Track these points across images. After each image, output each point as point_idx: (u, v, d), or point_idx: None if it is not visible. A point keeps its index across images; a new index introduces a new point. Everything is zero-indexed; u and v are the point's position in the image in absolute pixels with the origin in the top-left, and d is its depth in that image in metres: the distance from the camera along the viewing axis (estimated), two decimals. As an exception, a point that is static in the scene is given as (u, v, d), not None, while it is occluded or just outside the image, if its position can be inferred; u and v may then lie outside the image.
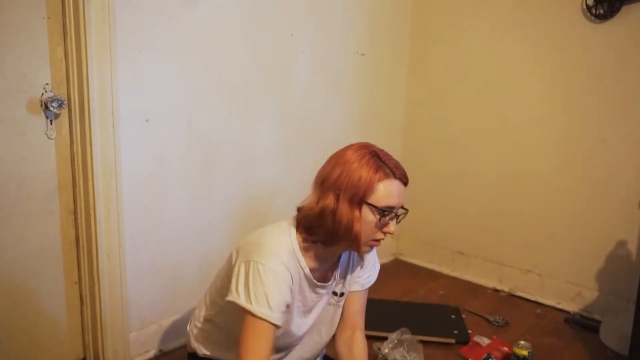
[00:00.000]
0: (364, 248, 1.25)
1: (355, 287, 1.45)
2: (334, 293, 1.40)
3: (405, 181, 1.22)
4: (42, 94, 1.57)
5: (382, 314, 2.21)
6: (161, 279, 1.91)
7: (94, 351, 1.78)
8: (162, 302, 1.92)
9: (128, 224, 1.76)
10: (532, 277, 2.51)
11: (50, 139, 1.61)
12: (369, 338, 1.99)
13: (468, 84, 2.65)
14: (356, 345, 1.44)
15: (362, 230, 1.19)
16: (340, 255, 1.37)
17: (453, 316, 2.23)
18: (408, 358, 1.79)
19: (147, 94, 1.75)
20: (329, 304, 1.40)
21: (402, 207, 1.25)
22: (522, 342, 1.80)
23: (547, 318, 2.30)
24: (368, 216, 1.19)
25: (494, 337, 2.06)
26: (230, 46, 1.98)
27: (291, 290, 1.22)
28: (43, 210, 1.63)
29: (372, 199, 1.17)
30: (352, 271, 1.42)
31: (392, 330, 1.90)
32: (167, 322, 1.94)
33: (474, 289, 2.61)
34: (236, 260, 1.23)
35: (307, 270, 1.27)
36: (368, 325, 2.06)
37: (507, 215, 2.58)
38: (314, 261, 1.28)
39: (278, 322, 1.17)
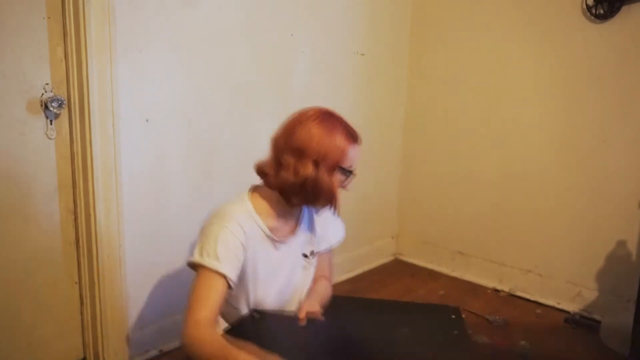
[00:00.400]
0: (337, 201, 1.36)
1: (324, 246, 1.52)
2: (304, 255, 1.44)
3: (360, 142, 1.36)
4: (42, 94, 1.57)
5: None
6: (161, 279, 1.91)
7: (94, 351, 1.78)
8: (162, 302, 1.92)
9: (128, 224, 1.76)
10: (532, 277, 2.51)
11: (50, 139, 1.61)
12: (369, 338, 2.00)
13: (468, 84, 2.65)
14: (319, 283, 1.52)
15: (336, 190, 1.31)
16: (300, 212, 1.44)
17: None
18: (408, 358, 1.79)
19: (147, 94, 1.75)
20: (303, 268, 1.44)
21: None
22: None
23: (547, 318, 2.30)
24: (339, 178, 1.32)
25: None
26: (231, 46, 1.98)
27: (243, 246, 1.27)
28: (43, 210, 1.63)
29: (344, 163, 1.30)
30: (314, 229, 1.48)
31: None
32: (167, 322, 1.94)
33: (474, 289, 2.61)
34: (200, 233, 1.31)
35: (266, 229, 1.33)
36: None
37: (507, 215, 2.58)
38: (273, 220, 1.35)
39: (227, 273, 1.22)
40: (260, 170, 1.36)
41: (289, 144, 1.29)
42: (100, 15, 1.57)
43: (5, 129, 1.52)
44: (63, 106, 1.60)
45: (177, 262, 1.94)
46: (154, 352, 1.91)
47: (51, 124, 1.61)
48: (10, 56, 1.50)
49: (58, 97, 1.58)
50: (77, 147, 1.65)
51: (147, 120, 1.76)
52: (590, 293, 2.33)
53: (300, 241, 1.43)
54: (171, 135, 1.85)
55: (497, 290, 2.59)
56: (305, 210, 1.46)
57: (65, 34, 1.58)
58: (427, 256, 2.91)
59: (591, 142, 2.28)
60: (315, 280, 1.51)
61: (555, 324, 2.25)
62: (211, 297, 1.21)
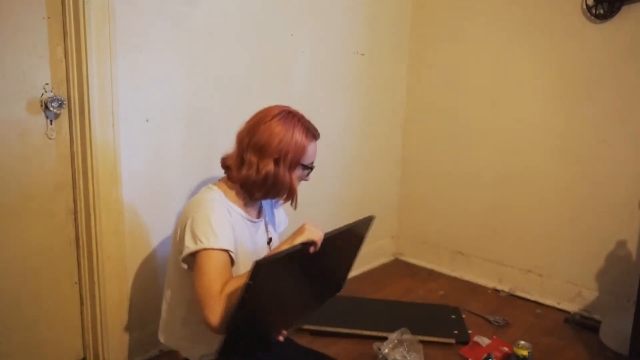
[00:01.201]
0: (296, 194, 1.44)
1: (275, 235, 1.59)
2: (268, 242, 1.51)
3: (318, 138, 1.43)
4: (42, 94, 1.57)
5: (382, 314, 2.21)
6: (161, 278, 1.90)
7: (94, 351, 1.78)
8: (162, 302, 1.92)
9: (128, 224, 1.76)
10: (532, 277, 2.51)
11: (50, 139, 1.61)
12: (368, 338, 2.00)
13: (468, 84, 2.65)
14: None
15: (296, 185, 1.40)
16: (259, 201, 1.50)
17: (453, 316, 2.23)
18: (408, 358, 1.79)
19: (147, 94, 1.75)
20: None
21: None
22: (522, 342, 1.80)
23: (547, 318, 2.30)
24: (298, 173, 1.40)
25: (494, 337, 2.06)
26: (231, 46, 1.98)
27: (231, 225, 1.32)
28: (43, 210, 1.63)
29: (304, 160, 1.38)
30: (272, 216, 1.58)
31: (392, 330, 1.90)
32: (167, 322, 1.94)
33: (474, 289, 2.61)
34: (181, 231, 1.31)
35: (240, 210, 1.40)
36: (368, 325, 2.07)
37: (507, 215, 2.58)
38: (241, 206, 1.41)
39: (229, 247, 1.26)
40: (225, 165, 1.43)
41: (251, 143, 1.36)
42: (100, 15, 1.57)
43: (5, 129, 1.52)
44: (63, 106, 1.60)
45: (177, 262, 1.94)
46: (154, 352, 1.91)
47: (51, 124, 1.61)
48: (10, 56, 1.50)
49: (58, 97, 1.58)
50: (77, 147, 1.65)
51: (147, 120, 1.76)
52: (590, 293, 2.33)
53: (263, 223, 1.51)
54: (171, 135, 1.85)
55: (497, 290, 2.59)
56: (267, 203, 1.55)
57: (65, 34, 1.58)
58: (427, 256, 2.91)
59: (591, 142, 2.28)
60: None
61: (555, 324, 2.25)
62: (222, 274, 1.23)
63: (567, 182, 2.36)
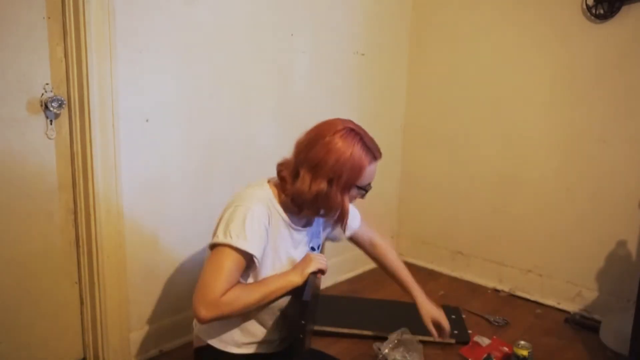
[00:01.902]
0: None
1: (350, 232, 1.63)
2: (312, 249, 1.48)
3: (379, 158, 1.36)
4: (42, 94, 1.57)
5: (382, 314, 2.21)
6: (161, 278, 1.91)
7: (94, 351, 1.78)
8: (162, 302, 1.92)
9: (128, 224, 1.76)
10: (532, 277, 2.51)
11: (50, 139, 1.61)
12: (368, 338, 2.00)
13: (468, 84, 2.65)
14: (382, 255, 1.72)
15: (348, 207, 1.34)
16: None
17: (453, 316, 2.23)
18: (408, 358, 1.79)
19: (147, 94, 1.75)
20: None
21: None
22: (522, 342, 1.80)
23: (547, 318, 2.30)
24: (352, 194, 1.34)
25: (494, 337, 2.06)
26: (231, 46, 1.98)
27: (267, 230, 1.30)
28: (43, 210, 1.63)
29: (360, 182, 1.31)
30: (325, 224, 1.54)
31: (392, 330, 1.90)
32: (167, 322, 1.94)
33: (474, 289, 2.61)
34: (220, 217, 1.32)
35: (284, 215, 1.36)
36: (368, 325, 2.07)
37: (507, 215, 2.58)
38: (288, 210, 1.38)
39: (255, 252, 1.25)
40: (280, 174, 1.37)
41: (307, 158, 1.29)
42: (100, 15, 1.57)
43: (5, 129, 1.52)
44: (63, 106, 1.60)
45: (177, 262, 1.94)
46: (154, 352, 1.91)
47: (51, 124, 1.61)
48: (10, 56, 1.49)
49: (58, 97, 1.58)
50: (77, 147, 1.65)
51: (147, 120, 1.76)
52: (590, 293, 2.33)
53: (310, 232, 1.47)
54: (171, 135, 1.85)
55: (497, 290, 2.59)
56: None
57: (65, 34, 1.58)
58: (427, 256, 2.91)
59: (591, 142, 2.28)
60: (383, 253, 1.70)
61: (555, 324, 2.25)
62: (232, 276, 1.23)
63: (568, 182, 2.36)
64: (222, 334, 1.40)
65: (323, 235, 1.55)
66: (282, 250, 1.37)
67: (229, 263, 1.23)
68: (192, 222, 1.96)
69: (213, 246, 1.27)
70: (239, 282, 1.27)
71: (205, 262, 1.27)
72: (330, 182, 1.28)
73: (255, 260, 1.27)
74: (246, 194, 1.34)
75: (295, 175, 1.32)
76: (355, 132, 1.31)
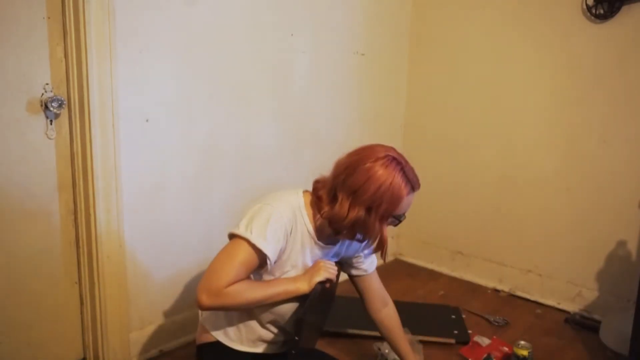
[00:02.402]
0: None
1: (360, 272, 1.57)
2: None
3: (417, 189, 1.33)
4: (42, 94, 1.57)
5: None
6: (161, 278, 1.91)
7: (94, 351, 1.78)
8: (162, 302, 1.92)
9: (128, 224, 1.76)
10: (532, 277, 2.51)
11: (50, 139, 1.61)
12: (368, 338, 2.00)
13: (468, 84, 2.65)
14: (391, 320, 1.64)
15: (385, 234, 1.31)
16: None
17: (453, 316, 2.23)
18: (408, 358, 1.79)
19: (147, 94, 1.75)
20: None
21: None
22: (522, 342, 1.80)
23: (547, 318, 2.30)
24: (392, 220, 1.32)
25: (494, 337, 2.06)
26: (231, 46, 1.97)
27: (287, 236, 1.30)
28: (43, 210, 1.63)
29: (397, 212, 1.30)
30: (349, 245, 1.49)
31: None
32: (167, 322, 1.94)
33: (474, 289, 2.61)
34: (248, 209, 1.32)
35: (310, 227, 1.34)
36: (368, 326, 2.07)
37: (507, 215, 2.58)
38: (316, 225, 1.36)
39: (270, 254, 1.24)
40: (317, 193, 1.35)
41: (347, 183, 1.27)
42: (100, 15, 1.57)
43: (5, 129, 1.52)
44: (63, 106, 1.60)
45: (177, 261, 1.94)
46: (154, 352, 1.91)
47: (51, 124, 1.61)
48: (10, 56, 1.49)
49: (58, 97, 1.58)
50: (77, 147, 1.65)
51: (147, 120, 1.76)
52: (590, 293, 2.33)
53: (333, 251, 1.44)
54: (171, 135, 1.85)
55: (497, 290, 2.59)
56: None
57: (65, 34, 1.58)
58: (427, 256, 2.91)
59: (591, 142, 2.28)
60: (387, 315, 1.64)
61: (555, 324, 2.25)
62: (241, 270, 1.23)
63: (568, 182, 2.36)
64: (227, 327, 1.40)
65: (343, 255, 1.51)
66: (298, 260, 1.36)
67: (242, 256, 1.23)
68: (192, 221, 1.96)
69: (232, 236, 1.27)
70: (247, 278, 1.27)
71: (220, 250, 1.27)
72: (369, 210, 1.26)
73: (269, 262, 1.26)
74: (278, 195, 1.34)
75: (333, 197, 1.29)
76: (397, 162, 1.29)
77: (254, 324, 1.39)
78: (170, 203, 1.88)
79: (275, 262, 1.30)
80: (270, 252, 1.25)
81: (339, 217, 1.27)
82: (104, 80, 1.61)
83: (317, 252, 1.40)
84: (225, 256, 1.24)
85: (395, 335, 1.63)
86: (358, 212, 1.26)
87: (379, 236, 1.30)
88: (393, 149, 1.33)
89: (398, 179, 1.26)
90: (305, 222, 1.34)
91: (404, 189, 1.27)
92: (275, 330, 1.41)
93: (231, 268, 1.22)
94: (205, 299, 1.20)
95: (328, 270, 1.35)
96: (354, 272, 1.57)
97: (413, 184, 1.30)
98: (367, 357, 1.89)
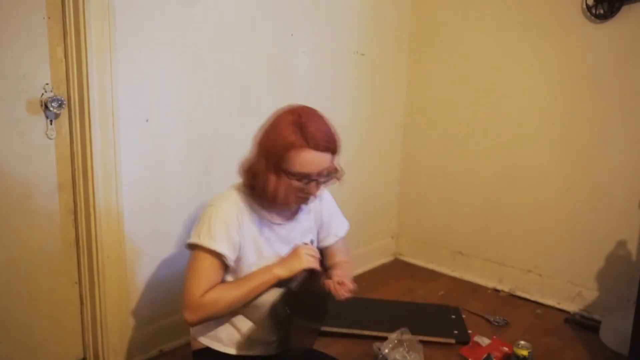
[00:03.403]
0: (292, 205, 1.36)
1: (332, 239, 1.54)
2: (305, 243, 1.44)
3: (322, 149, 1.24)
4: (42, 94, 1.57)
5: (382, 314, 2.21)
6: (161, 278, 1.91)
7: (94, 351, 1.78)
8: (162, 302, 1.92)
9: (128, 224, 1.76)
10: (532, 277, 2.51)
11: (50, 139, 1.61)
12: (368, 338, 2.00)
13: (468, 84, 2.65)
14: (342, 263, 1.54)
15: (282, 192, 1.26)
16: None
17: (453, 316, 2.23)
18: (408, 358, 1.79)
19: (147, 94, 1.75)
20: None
21: (325, 173, 1.28)
22: (522, 342, 1.80)
23: (547, 318, 2.30)
24: (291, 182, 1.26)
25: (494, 337, 2.06)
26: (231, 46, 1.97)
27: (239, 224, 1.28)
28: (43, 210, 1.63)
29: (286, 166, 1.24)
30: (316, 219, 1.48)
31: (392, 330, 1.90)
32: (167, 322, 1.94)
33: (474, 289, 2.61)
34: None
35: (261, 211, 1.34)
36: (368, 325, 2.07)
37: (507, 215, 2.58)
38: (265, 208, 1.35)
39: (223, 251, 1.24)
40: (240, 172, 1.36)
41: (255, 140, 1.31)
42: (100, 15, 1.57)
43: (5, 129, 1.52)
44: (63, 106, 1.60)
45: (177, 261, 1.94)
46: (154, 352, 1.91)
47: (51, 124, 1.61)
48: (10, 56, 1.49)
49: (58, 97, 1.58)
50: (77, 147, 1.65)
51: (147, 120, 1.76)
52: (590, 293, 2.33)
53: (299, 228, 1.43)
54: (171, 135, 1.85)
55: (497, 290, 2.59)
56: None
57: (65, 34, 1.58)
58: (427, 256, 2.91)
59: (591, 142, 2.28)
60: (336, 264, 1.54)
61: (555, 324, 2.25)
62: (209, 277, 1.24)
63: (568, 182, 2.36)
64: (217, 333, 1.40)
65: (316, 230, 1.52)
66: (266, 249, 1.35)
67: (202, 264, 1.25)
68: (192, 221, 1.95)
69: (188, 247, 1.29)
70: (222, 282, 1.28)
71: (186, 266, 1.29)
72: (267, 161, 1.25)
73: (227, 260, 1.26)
74: (218, 195, 1.34)
75: (247, 161, 1.33)
76: (295, 113, 1.26)
77: (242, 324, 1.38)
78: (170, 203, 1.88)
79: (239, 259, 1.30)
80: (224, 250, 1.25)
81: (246, 169, 1.30)
82: (104, 80, 1.61)
83: (281, 232, 1.38)
84: (190, 269, 1.26)
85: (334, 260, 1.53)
86: (259, 164, 1.26)
87: (273, 190, 1.25)
88: (304, 107, 1.31)
89: (285, 128, 1.23)
90: (255, 210, 1.33)
91: (292, 139, 1.21)
92: (264, 328, 1.39)
93: (198, 278, 1.23)
94: (188, 316, 1.23)
95: (307, 258, 1.31)
96: (330, 241, 1.54)
97: (308, 139, 1.22)
98: (367, 357, 1.89)
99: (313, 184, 1.27)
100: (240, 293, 1.27)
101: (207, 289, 1.23)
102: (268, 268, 1.30)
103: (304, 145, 1.22)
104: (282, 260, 1.32)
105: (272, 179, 1.25)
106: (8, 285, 1.58)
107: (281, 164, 1.24)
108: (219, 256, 1.25)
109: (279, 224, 1.38)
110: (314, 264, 1.32)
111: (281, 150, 1.23)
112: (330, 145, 1.26)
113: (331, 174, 1.30)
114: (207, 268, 1.25)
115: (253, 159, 1.30)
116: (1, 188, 1.53)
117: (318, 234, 1.53)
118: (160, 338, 1.93)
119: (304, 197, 1.31)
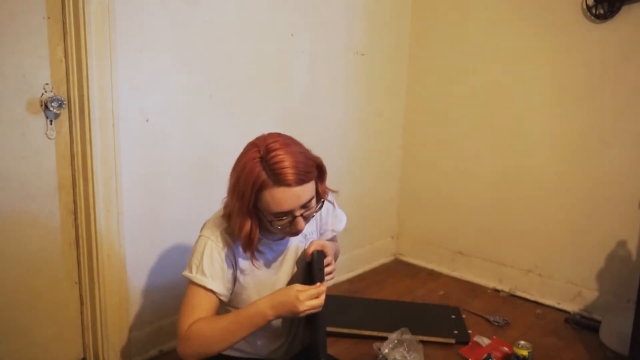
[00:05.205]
0: (276, 239, 1.33)
1: (329, 235, 1.53)
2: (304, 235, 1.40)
3: (296, 184, 1.14)
4: (42, 94, 1.57)
5: (382, 314, 2.21)
6: (161, 278, 1.91)
7: (94, 351, 1.78)
8: (162, 302, 1.92)
9: (128, 224, 1.76)
10: (532, 277, 2.51)
11: (50, 139, 1.62)
12: (368, 338, 2.00)
13: (468, 84, 2.65)
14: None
15: (255, 236, 1.20)
16: None
17: (453, 316, 2.23)
18: (408, 358, 1.79)
19: (147, 94, 1.75)
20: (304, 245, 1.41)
21: (309, 205, 1.21)
22: (522, 342, 1.80)
23: (547, 318, 2.30)
24: (268, 220, 1.20)
25: (494, 337, 2.06)
26: (230, 46, 1.98)
27: (231, 258, 1.27)
28: (43, 210, 1.63)
29: (262, 206, 1.17)
30: (313, 223, 1.45)
31: (392, 330, 1.90)
32: (167, 322, 1.94)
33: (474, 289, 2.61)
34: None
35: (240, 237, 1.26)
36: (368, 325, 2.07)
37: (507, 215, 2.58)
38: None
39: (215, 288, 1.24)
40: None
41: (229, 176, 1.27)
42: (100, 15, 1.57)
43: (5, 129, 1.52)
44: (63, 106, 1.60)
45: (177, 262, 1.94)
46: (154, 352, 1.92)
47: (51, 124, 1.61)
48: (10, 56, 1.50)
49: (58, 97, 1.58)
50: (77, 147, 1.65)
51: (147, 120, 1.76)
52: (590, 293, 2.33)
53: (297, 238, 1.40)
54: (171, 135, 1.85)
55: (497, 290, 2.59)
56: None
57: (65, 34, 1.58)
58: (427, 256, 2.91)
59: (591, 142, 2.28)
60: None
61: (555, 324, 2.25)
62: (202, 309, 1.24)
63: (568, 182, 2.36)
64: None
65: (313, 232, 1.48)
66: (263, 274, 1.33)
67: (195, 297, 1.25)
68: (191, 221, 1.94)
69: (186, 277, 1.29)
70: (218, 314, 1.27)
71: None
72: (240, 202, 1.17)
73: (219, 296, 1.26)
74: (211, 222, 1.31)
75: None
76: (258, 147, 1.17)
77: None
78: (170, 203, 1.88)
79: (237, 289, 1.30)
80: (216, 287, 1.24)
81: (227, 216, 1.26)
82: (104, 80, 1.61)
83: (279, 248, 1.35)
84: (183, 301, 1.27)
85: None
86: (232, 205, 1.20)
87: (246, 235, 1.18)
88: (270, 136, 1.21)
89: (253, 169, 1.15)
90: (234, 237, 1.26)
91: (261, 180, 1.13)
92: (269, 338, 1.39)
93: (189, 311, 1.24)
94: (179, 347, 1.25)
95: (304, 303, 1.17)
96: (326, 236, 1.53)
97: (277, 178, 1.12)
98: (367, 357, 1.89)
99: (298, 219, 1.19)
100: (225, 326, 1.21)
101: (196, 321, 1.23)
102: (257, 307, 1.20)
103: (275, 184, 1.14)
104: (277, 302, 1.20)
105: (246, 223, 1.19)
106: (8, 285, 1.58)
107: (258, 205, 1.18)
108: (211, 291, 1.25)
109: (277, 241, 1.35)
110: (317, 308, 1.20)
111: (252, 192, 1.15)
112: (304, 177, 1.15)
113: (318, 202, 1.23)
114: (200, 301, 1.25)
115: (228, 199, 1.26)
116: (1, 188, 1.53)
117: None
118: (160, 338, 1.93)
119: (290, 233, 1.24)
